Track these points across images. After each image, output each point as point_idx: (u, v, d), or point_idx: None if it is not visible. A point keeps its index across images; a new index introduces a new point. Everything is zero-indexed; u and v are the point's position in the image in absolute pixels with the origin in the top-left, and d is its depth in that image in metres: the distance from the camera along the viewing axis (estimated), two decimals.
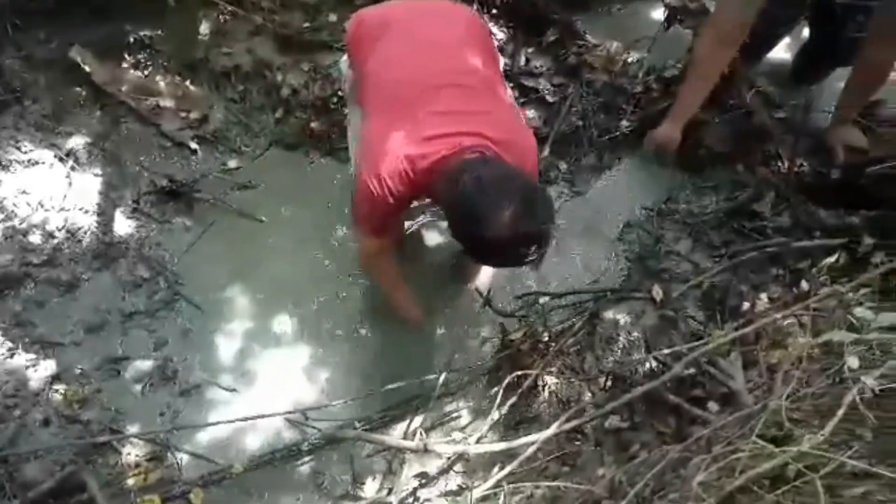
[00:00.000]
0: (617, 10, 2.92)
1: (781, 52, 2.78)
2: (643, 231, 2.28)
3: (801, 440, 0.94)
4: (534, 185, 1.48)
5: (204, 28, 2.61)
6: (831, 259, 2.01)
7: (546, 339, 2.02)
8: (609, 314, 2.05)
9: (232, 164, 2.51)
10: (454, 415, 1.99)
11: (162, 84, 2.56)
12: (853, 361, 1.27)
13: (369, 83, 1.66)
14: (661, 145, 2.32)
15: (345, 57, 1.89)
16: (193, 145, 2.51)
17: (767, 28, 2.36)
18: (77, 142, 2.38)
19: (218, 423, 1.88)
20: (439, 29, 1.70)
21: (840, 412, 0.96)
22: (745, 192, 2.24)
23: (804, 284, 1.97)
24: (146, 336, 2.10)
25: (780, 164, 2.26)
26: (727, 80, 2.41)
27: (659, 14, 2.72)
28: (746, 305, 1.94)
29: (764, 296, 1.97)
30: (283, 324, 2.17)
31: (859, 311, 1.08)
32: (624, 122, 2.52)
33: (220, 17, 2.62)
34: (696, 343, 1.78)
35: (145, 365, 2.04)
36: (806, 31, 2.68)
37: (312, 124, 2.55)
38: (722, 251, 2.14)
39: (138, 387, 2.00)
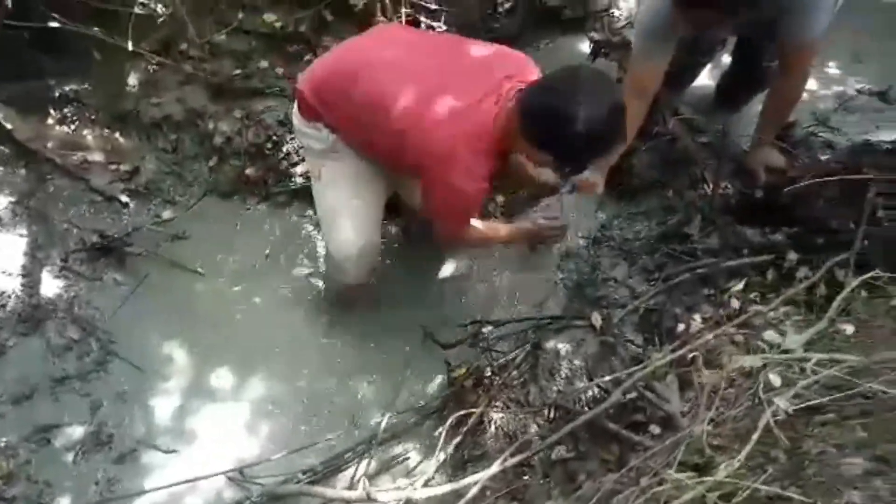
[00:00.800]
0: (545, 45, 3.00)
1: (705, 78, 2.91)
2: (580, 260, 2.31)
3: (719, 468, 0.95)
4: (586, 73, 1.57)
5: (132, 79, 2.58)
6: (759, 277, 2.08)
7: (490, 373, 2.02)
8: (551, 344, 2.06)
9: (165, 215, 2.47)
10: (401, 458, 1.96)
11: (90, 138, 2.52)
12: (776, 380, 1.31)
13: (371, 107, 1.68)
14: (582, 190, 2.18)
15: (306, 129, 1.86)
16: (124, 198, 2.46)
17: (689, 59, 2.46)
18: (0, 202, 2.31)
19: (156, 489, 1.81)
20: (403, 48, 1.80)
21: (755, 436, 0.97)
22: (675, 216, 2.30)
23: (734, 303, 2.02)
24: (78, 400, 2.02)
25: (706, 187, 2.32)
26: (651, 109, 2.50)
27: (585, 47, 2.81)
28: (681, 327, 1.98)
29: (697, 316, 2.02)
30: (223, 378, 2.12)
31: (767, 335, 1.11)
32: None
33: (149, 67, 2.60)
34: (635, 368, 1.81)
35: (77, 431, 1.96)
36: (727, 59, 2.80)
37: (247, 171, 2.54)
38: (656, 275, 2.18)
39: (70, 455, 1.92)
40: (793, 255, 2.04)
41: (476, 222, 1.89)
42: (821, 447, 1.14)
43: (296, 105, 1.87)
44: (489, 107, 1.60)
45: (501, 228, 2.07)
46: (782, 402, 1.03)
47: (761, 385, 1.10)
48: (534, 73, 1.73)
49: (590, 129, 1.42)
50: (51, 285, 2.21)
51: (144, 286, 2.29)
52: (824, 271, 1.91)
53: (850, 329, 1.57)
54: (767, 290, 2.07)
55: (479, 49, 1.76)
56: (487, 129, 1.60)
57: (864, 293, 1.83)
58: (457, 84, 1.64)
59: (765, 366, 1.12)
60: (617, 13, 2.88)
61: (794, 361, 1.12)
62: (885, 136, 2.27)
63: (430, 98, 1.62)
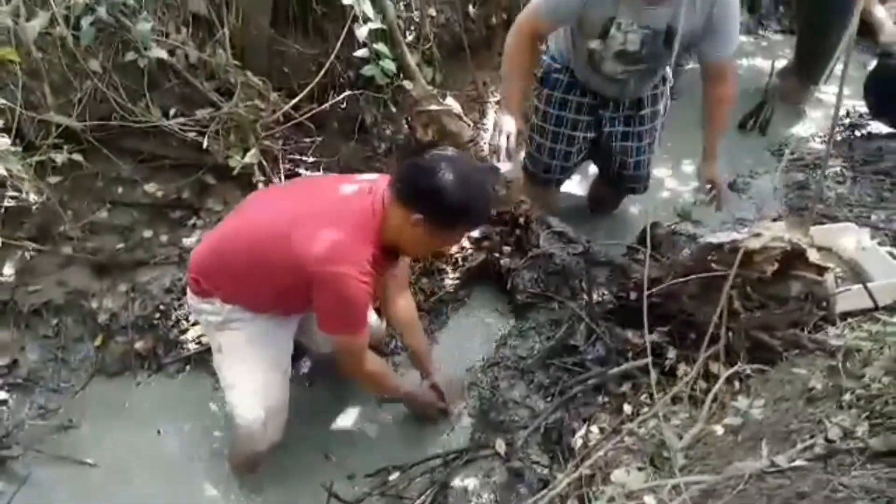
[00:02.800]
0: None
1: (574, 187, 3.15)
2: (480, 387, 2.35)
3: None
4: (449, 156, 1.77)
5: (7, 269, 2.52)
6: (645, 377, 2.17)
7: None
8: (459, 480, 2.05)
9: (50, 405, 2.36)
10: None
11: None
12: (650, 501, 1.35)
13: (253, 249, 1.81)
14: (509, 136, 2.41)
15: (203, 306, 1.95)
16: (3, 395, 2.34)
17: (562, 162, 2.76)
18: None
19: None
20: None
21: None
22: (561, 328, 2.39)
23: (627, 408, 2.10)
24: None
25: (584, 296, 2.45)
26: (524, 228, 2.67)
27: None
28: (580, 442, 2.02)
29: (595, 427, 2.07)
30: None
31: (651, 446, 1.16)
32: (447, 282, 2.68)
33: (25, 254, 2.56)
34: (540, 495, 1.81)
35: None
36: (593, 168, 3.05)
37: (136, 345, 2.48)
38: (552, 390, 2.24)
39: None
40: (671, 353, 2.16)
41: (374, 357, 1.99)
42: None
43: (188, 287, 1.97)
44: (363, 199, 1.80)
45: (393, 378, 2.18)
46: None
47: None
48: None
49: (461, 189, 1.69)
50: None
51: (29, 487, 2.13)
52: (699, 366, 2.02)
53: (719, 430, 1.66)
54: (654, 389, 2.16)
55: (346, 177, 1.97)
56: (367, 217, 1.77)
57: (736, 384, 1.96)
58: (328, 197, 1.84)
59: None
60: (482, 144, 3.11)
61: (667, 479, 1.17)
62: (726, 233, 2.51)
63: (307, 214, 1.78)
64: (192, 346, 2.49)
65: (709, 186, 2.56)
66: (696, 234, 2.80)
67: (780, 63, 3.90)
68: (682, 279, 2.15)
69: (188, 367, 2.49)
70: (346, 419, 2.35)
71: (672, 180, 3.37)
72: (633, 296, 2.38)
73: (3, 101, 2.25)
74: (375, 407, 2.36)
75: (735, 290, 2.10)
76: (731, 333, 2.04)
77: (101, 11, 2.33)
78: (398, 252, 1.91)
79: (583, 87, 2.61)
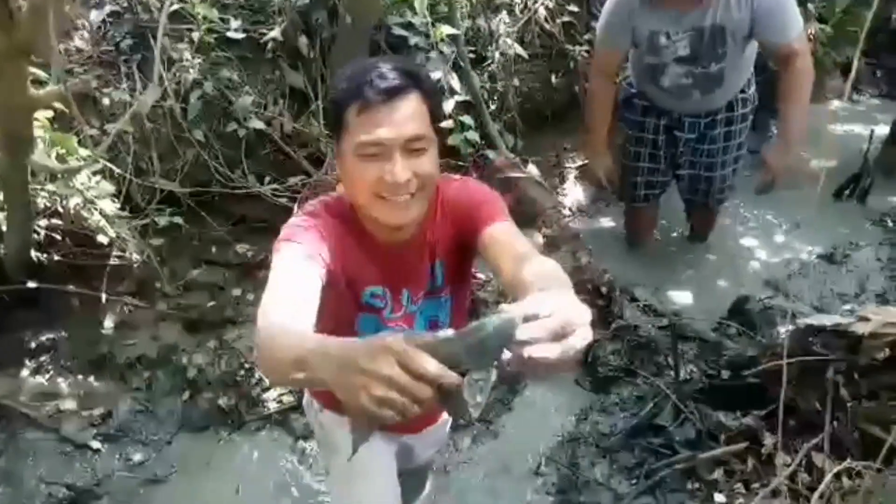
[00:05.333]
0: None
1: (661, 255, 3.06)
2: (558, 463, 2.26)
3: None
4: None
5: (108, 322, 2.67)
6: (740, 465, 2.03)
7: None
8: None
9: (138, 457, 2.43)
10: None
11: (63, 386, 2.55)
12: None
13: None
14: (596, 176, 2.89)
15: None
16: (96, 444, 2.43)
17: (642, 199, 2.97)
18: None
19: None
20: None
21: None
22: (646, 405, 2.29)
23: (718, 497, 1.96)
24: None
25: (671, 373, 2.34)
26: (607, 298, 2.60)
27: (538, 240, 2.97)
28: None
29: None
30: None
31: None
32: None
33: (124, 309, 2.71)
34: None
35: None
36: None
37: (220, 401, 2.54)
38: (637, 472, 2.13)
39: None
40: (769, 441, 2.02)
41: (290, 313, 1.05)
42: None
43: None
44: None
45: (312, 339, 0.96)
46: None
47: None
48: None
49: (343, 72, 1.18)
50: None
51: None
52: (801, 457, 1.88)
53: None
54: (750, 478, 2.02)
55: None
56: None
57: (845, 479, 1.80)
58: None
59: None
60: (564, 210, 3.10)
61: None
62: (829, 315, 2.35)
63: None
64: (272, 406, 2.53)
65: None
66: (792, 310, 2.65)
67: (879, 129, 3.72)
68: (780, 361, 2.03)
69: (268, 425, 2.52)
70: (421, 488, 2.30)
71: (762, 250, 3.23)
72: (725, 374, 2.26)
73: (117, 170, 2.43)
74: (450, 481, 2.30)
75: (840, 375, 1.96)
76: (836, 423, 1.90)
77: (208, 86, 2.51)
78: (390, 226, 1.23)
79: (658, 109, 2.74)
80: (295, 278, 1.11)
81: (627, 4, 2.45)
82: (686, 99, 2.61)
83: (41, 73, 1.97)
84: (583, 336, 0.78)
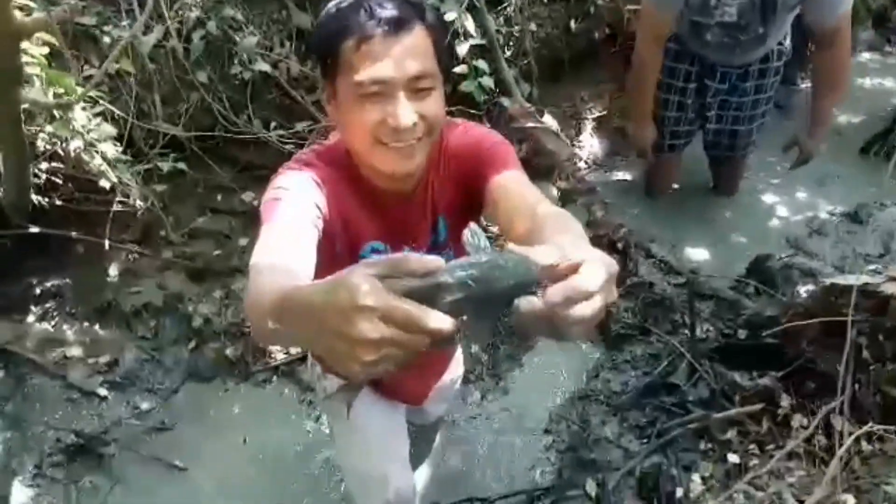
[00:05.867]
0: None
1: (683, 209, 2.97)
2: (569, 420, 2.23)
3: None
4: None
5: (112, 270, 2.63)
6: (755, 426, 1.99)
7: None
8: None
9: (145, 405, 2.42)
10: None
11: (69, 333, 2.52)
12: None
13: None
14: (641, 147, 2.84)
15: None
16: (103, 392, 2.42)
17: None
18: None
19: None
20: None
21: None
22: (660, 363, 2.24)
23: (732, 458, 1.93)
24: None
25: (687, 331, 2.29)
26: (623, 254, 2.53)
27: (553, 194, 2.89)
28: (680, 492, 1.87)
29: (696, 476, 1.91)
30: None
31: None
32: None
33: (129, 257, 2.66)
34: None
35: None
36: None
37: (226, 351, 2.52)
38: (649, 431, 2.09)
39: None
40: (786, 402, 1.97)
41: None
42: None
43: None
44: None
45: (303, 289, 0.78)
46: None
47: None
48: None
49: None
50: (23, 495, 2.12)
51: (123, 487, 2.19)
52: (819, 420, 1.83)
53: (851, 501, 1.48)
54: (765, 439, 1.98)
55: None
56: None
57: (864, 444, 1.75)
58: None
59: None
60: (580, 163, 2.99)
61: None
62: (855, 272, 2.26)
63: None
64: (280, 357, 2.50)
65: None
66: (813, 269, 2.57)
67: None
68: (801, 321, 1.97)
69: (275, 377, 2.50)
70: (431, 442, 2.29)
71: (783, 207, 3.12)
72: (742, 334, 2.20)
73: (119, 112, 2.34)
74: (460, 436, 2.29)
75: (864, 337, 1.89)
76: (857, 386, 1.84)
77: (211, 25, 2.39)
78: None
79: (691, 56, 2.63)
80: (289, 229, 1.00)
81: None
82: (725, 53, 2.51)
83: (30, 2, 1.87)
84: (609, 292, 0.69)
